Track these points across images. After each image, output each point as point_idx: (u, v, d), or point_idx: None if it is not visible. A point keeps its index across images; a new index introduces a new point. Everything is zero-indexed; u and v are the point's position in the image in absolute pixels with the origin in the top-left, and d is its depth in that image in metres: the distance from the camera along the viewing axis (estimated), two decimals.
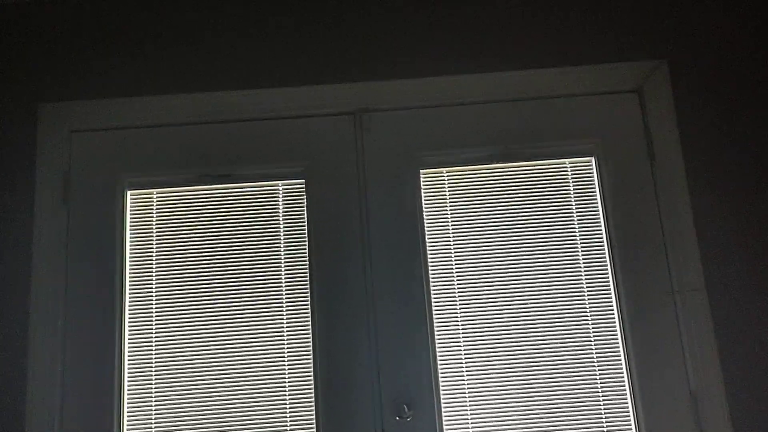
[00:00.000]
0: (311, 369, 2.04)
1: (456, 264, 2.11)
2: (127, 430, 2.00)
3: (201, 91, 2.20)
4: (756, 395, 1.99)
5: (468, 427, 2.00)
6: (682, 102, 2.19)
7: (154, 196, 2.16)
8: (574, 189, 2.16)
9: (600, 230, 2.13)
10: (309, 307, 2.08)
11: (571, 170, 2.18)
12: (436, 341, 2.06)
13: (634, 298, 2.07)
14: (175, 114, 2.19)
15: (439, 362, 2.04)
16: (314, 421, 2.01)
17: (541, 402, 2.02)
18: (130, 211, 2.15)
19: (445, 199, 2.16)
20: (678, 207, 2.11)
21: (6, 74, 2.21)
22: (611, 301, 2.08)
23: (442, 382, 2.03)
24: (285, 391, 2.03)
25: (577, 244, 2.12)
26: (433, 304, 2.08)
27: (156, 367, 2.04)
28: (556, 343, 2.05)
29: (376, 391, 2.01)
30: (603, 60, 2.22)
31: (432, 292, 2.09)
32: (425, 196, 2.16)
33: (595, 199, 2.15)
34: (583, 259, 2.11)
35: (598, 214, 2.14)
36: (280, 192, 2.17)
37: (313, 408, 2.02)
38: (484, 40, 2.24)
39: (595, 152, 2.18)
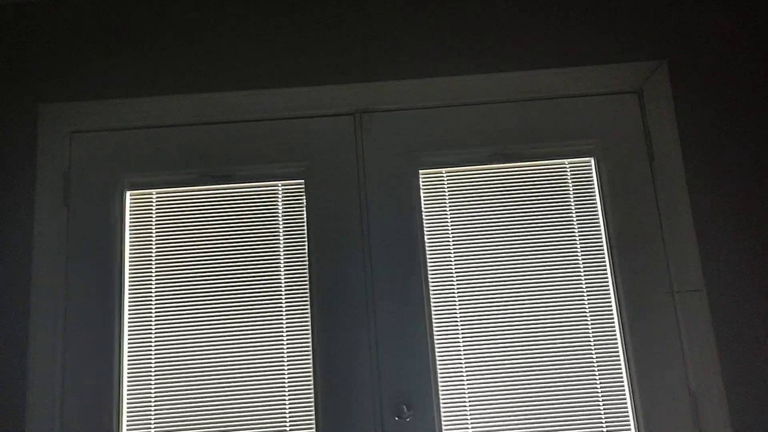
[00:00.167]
0: (311, 369, 2.04)
1: (456, 264, 2.11)
2: (127, 430, 2.00)
3: (201, 91, 2.20)
4: (756, 395, 1.99)
5: (468, 428, 2.00)
6: (682, 102, 2.19)
7: (154, 196, 2.16)
8: (573, 189, 2.16)
9: (599, 230, 2.13)
10: (309, 307, 2.08)
11: (571, 170, 2.18)
12: (436, 341, 2.06)
13: (634, 299, 2.07)
14: (175, 114, 2.19)
15: (438, 362, 2.04)
16: (314, 421, 2.01)
17: (541, 402, 2.02)
18: (130, 211, 2.15)
19: (445, 199, 2.16)
20: (678, 207, 2.11)
21: (6, 74, 2.22)
22: (611, 301, 2.08)
23: (442, 382, 2.03)
24: (285, 391, 2.03)
25: (576, 244, 2.12)
26: (433, 304, 2.08)
27: (156, 367, 2.04)
28: (556, 343, 2.05)
29: (376, 391, 2.02)
30: (603, 60, 2.22)
31: (432, 292, 2.09)
32: (425, 197, 2.16)
33: (595, 200, 2.15)
34: (583, 259, 2.11)
35: (598, 215, 2.14)
36: (280, 192, 2.17)
37: (313, 408, 2.02)
38: (484, 40, 2.24)
39: (594, 152, 2.18)
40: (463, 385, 2.03)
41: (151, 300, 2.09)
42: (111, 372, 2.02)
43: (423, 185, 2.16)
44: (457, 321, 2.07)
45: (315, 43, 2.24)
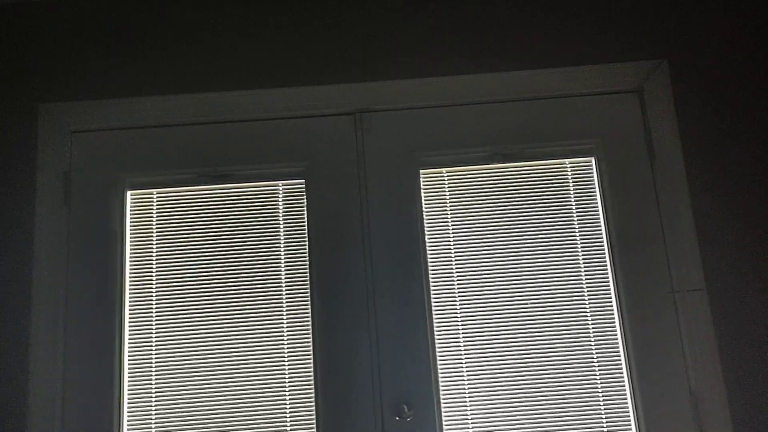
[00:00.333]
0: (311, 369, 2.04)
1: (456, 264, 2.11)
2: (127, 429, 2.00)
3: (201, 91, 2.20)
4: (756, 395, 1.99)
5: (468, 427, 2.00)
6: (682, 102, 2.19)
7: (154, 196, 2.16)
8: (574, 189, 2.16)
9: (600, 230, 2.13)
10: (309, 307, 2.08)
11: (571, 170, 2.18)
12: (436, 341, 2.06)
13: (635, 298, 2.07)
14: (175, 114, 2.19)
15: (439, 362, 2.04)
16: (314, 421, 2.01)
17: (541, 402, 2.02)
18: (130, 211, 2.15)
19: (445, 199, 2.16)
20: (678, 207, 2.11)
21: (6, 74, 2.22)
22: (611, 301, 2.08)
23: (442, 382, 2.03)
24: (285, 391, 2.03)
25: (577, 244, 2.12)
26: (433, 303, 2.08)
27: (156, 366, 2.04)
28: (556, 343, 2.05)
29: (376, 391, 2.01)
30: (603, 60, 2.22)
31: (432, 292, 2.09)
32: (425, 196, 2.16)
33: (595, 199, 2.15)
34: (583, 259, 2.11)
35: (598, 214, 2.14)
36: (280, 192, 2.17)
37: (313, 408, 2.02)
38: (484, 40, 2.24)
39: (595, 152, 2.18)
40: (464, 384, 2.03)
41: (151, 300, 2.08)
42: (111, 371, 2.02)
43: (423, 185, 2.16)
44: (457, 321, 2.07)
45: (315, 43, 2.24)
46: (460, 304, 2.08)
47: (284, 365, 2.04)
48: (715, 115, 2.18)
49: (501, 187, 2.16)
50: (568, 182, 2.17)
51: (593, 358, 2.05)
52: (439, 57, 2.22)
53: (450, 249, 2.12)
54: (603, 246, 2.12)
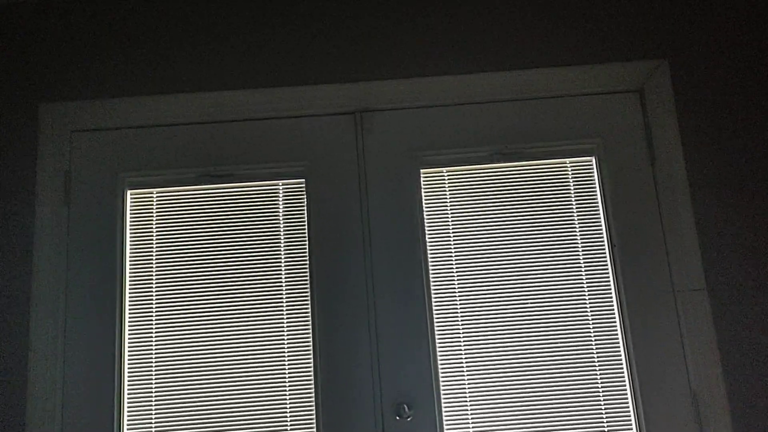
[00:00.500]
0: (311, 369, 2.04)
1: (456, 264, 2.11)
2: (127, 429, 2.00)
3: (201, 91, 2.20)
4: (756, 395, 1.99)
5: (468, 427, 2.00)
6: (683, 102, 2.19)
7: (154, 195, 2.16)
8: (574, 189, 2.16)
9: (600, 230, 2.13)
10: (309, 307, 2.08)
11: (572, 170, 2.18)
12: (437, 341, 2.05)
13: (635, 298, 2.07)
14: (175, 114, 2.19)
15: (439, 362, 2.04)
16: (314, 421, 2.00)
17: (541, 402, 2.01)
18: (130, 210, 2.15)
19: (446, 198, 2.15)
20: (678, 207, 2.11)
21: (6, 74, 2.22)
22: (612, 301, 2.08)
23: (443, 381, 2.03)
24: (285, 391, 2.03)
25: (577, 243, 2.12)
26: (434, 303, 2.08)
27: (156, 366, 2.04)
28: (557, 343, 2.05)
29: (376, 391, 2.01)
30: (604, 60, 2.22)
31: (432, 291, 2.09)
32: (425, 196, 2.16)
33: (596, 199, 2.15)
34: (584, 258, 2.11)
35: (599, 214, 2.14)
36: (280, 192, 2.17)
37: (313, 408, 2.01)
38: (484, 40, 2.24)
39: (595, 152, 2.18)
40: (464, 384, 2.03)
41: (151, 299, 2.08)
42: (111, 372, 2.02)
43: (424, 184, 2.16)
44: (458, 321, 2.07)
45: (315, 43, 2.24)
46: (460, 304, 2.08)
47: (284, 365, 2.04)
48: (716, 115, 2.18)
49: (501, 186, 2.16)
50: (568, 182, 2.17)
51: (594, 357, 2.04)
52: (439, 56, 2.22)
53: (450, 248, 2.12)
54: (603, 246, 2.12)
